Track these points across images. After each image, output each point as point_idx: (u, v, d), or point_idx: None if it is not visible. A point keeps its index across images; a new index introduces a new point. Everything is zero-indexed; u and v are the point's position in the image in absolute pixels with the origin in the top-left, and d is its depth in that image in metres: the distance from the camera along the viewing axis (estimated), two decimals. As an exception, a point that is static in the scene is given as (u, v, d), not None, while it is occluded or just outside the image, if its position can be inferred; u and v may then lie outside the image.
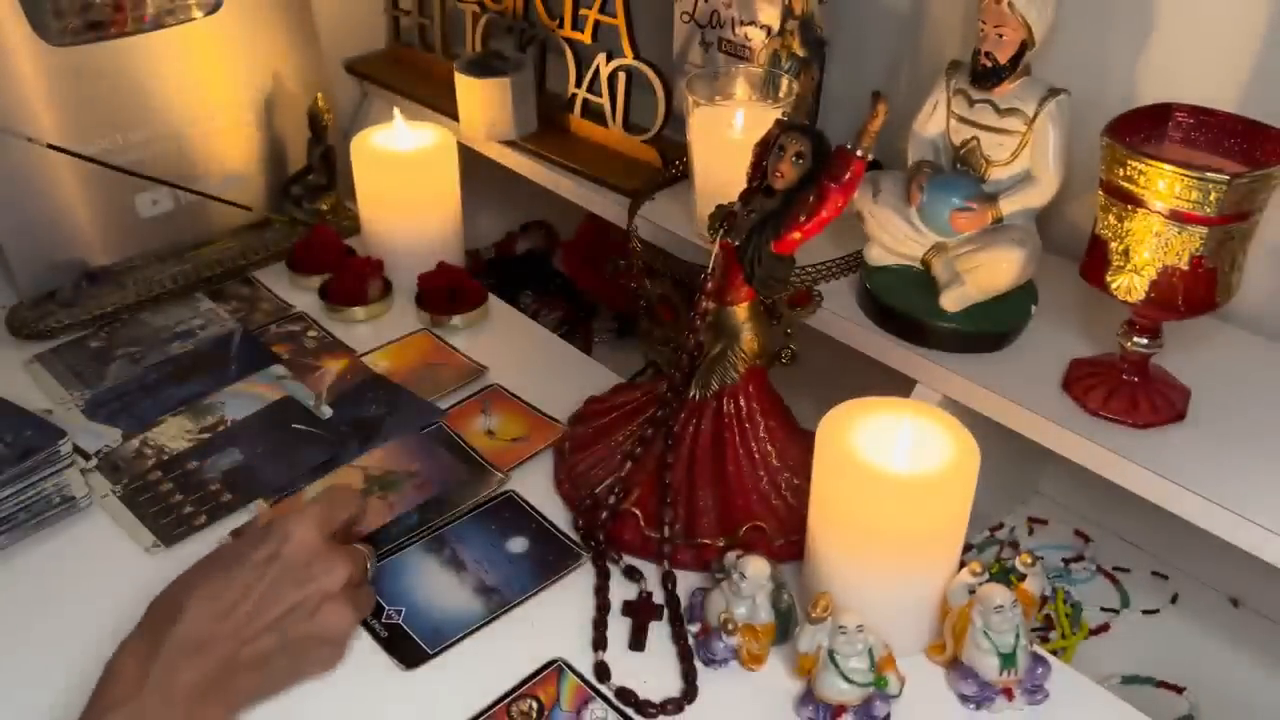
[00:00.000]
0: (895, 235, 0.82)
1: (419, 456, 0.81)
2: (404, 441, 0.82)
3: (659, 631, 0.69)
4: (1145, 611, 0.86)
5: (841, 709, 0.62)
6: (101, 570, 0.72)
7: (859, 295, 0.85)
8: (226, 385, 0.88)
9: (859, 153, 0.64)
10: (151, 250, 1.03)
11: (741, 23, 0.96)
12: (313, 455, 0.81)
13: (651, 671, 0.66)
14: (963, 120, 0.79)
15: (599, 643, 0.68)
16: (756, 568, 0.65)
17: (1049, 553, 0.91)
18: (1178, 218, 0.64)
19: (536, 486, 0.80)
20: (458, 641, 0.67)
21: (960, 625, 0.64)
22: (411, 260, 0.99)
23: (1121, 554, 0.90)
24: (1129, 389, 0.73)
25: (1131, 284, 0.68)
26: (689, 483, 0.74)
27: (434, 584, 0.71)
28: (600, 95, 1.02)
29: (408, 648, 0.67)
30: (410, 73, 1.21)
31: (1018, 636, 0.63)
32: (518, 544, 0.74)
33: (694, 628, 0.69)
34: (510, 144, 1.08)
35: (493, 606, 0.70)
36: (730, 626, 0.65)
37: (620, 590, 0.72)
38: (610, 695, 0.65)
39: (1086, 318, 0.81)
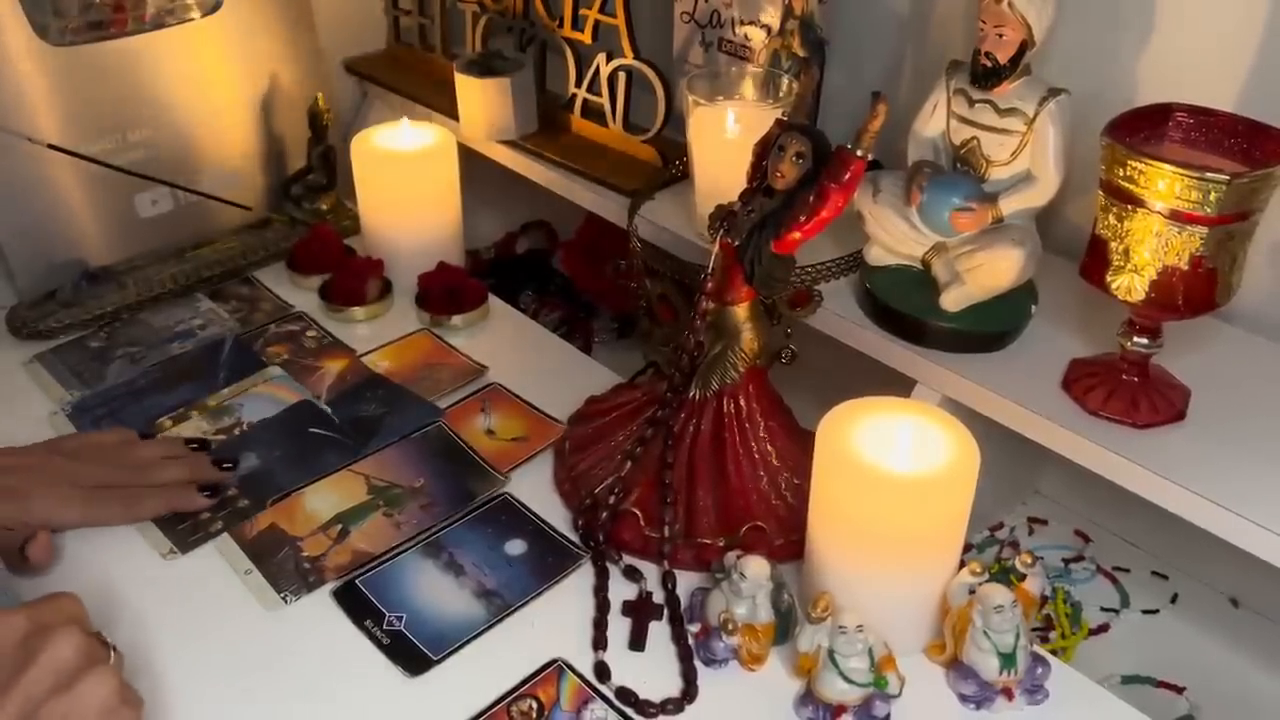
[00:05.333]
0: (895, 235, 0.82)
1: (422, 469, 0.80)
2: (406, 447, 0.82)
3: (659, 631, 0.69)
4: (1145, 611, 0.86)
5: (841, 709, 0.62)
6: (117, 578, 0.72)
7: (859, 295, 0.85)
8: (211, 394, 0.87)
9: (859, 153, 0.64)
10: (151, 250, 1.03)
11: (741, 23, 0.96)
12: (330, 459, 0.81)
13: (651, 671, 0.66)
14: (963, 120, 0.79)
15: (599, 642, 0.68)
16: (756, 568, 0.65)
17: (1049, 553, 0.91)
18: (1178, 218, 0.64)
19: (535, 487, 0.79)
20: (461, 646, 0.67)
21: (960, 625, 0.64)
22: (411, 260, 0.99)
23: (1121, 554, 0.90)
24: (1129, 389, 0.73)
25: (1131, 284, 0.68)
26: (689, 483, 0.74)
27: (434, 589, 0.71)
28: (600, 95, 1.02)
29: (411, 655, 0.67)
30: (410, 73, 1.21)
31: (1018, 636, 0.63)
32: (516, 546, 0.74)
33: (694, 628, 0.69)
34: (510, 144, 1.08)
35: (494, 610, 0.70)
36: (730, 626, 0.65)
37: (620, 590, 0.72)
38: (610, 695, 0.65)
39: (1086, 318, 0.81)
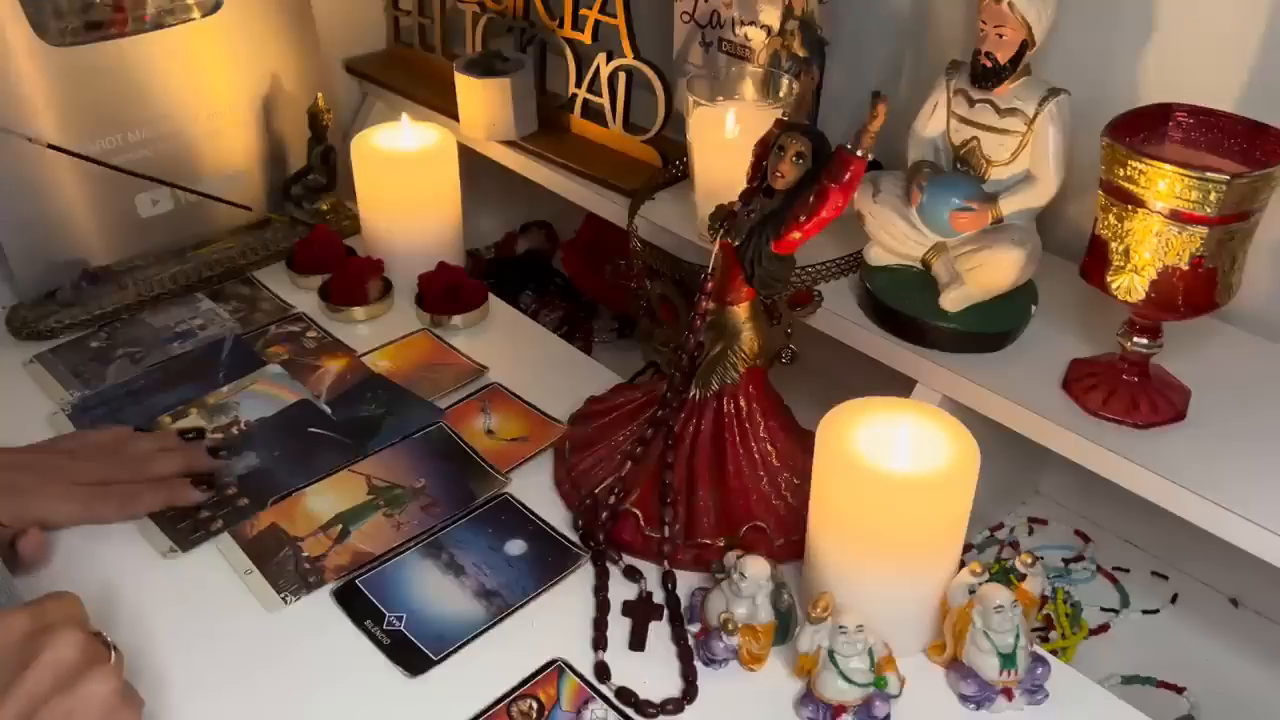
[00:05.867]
0: (895, 235, 0.82)
1: (423, 469, 0.80)
2: (407, 447, 0.82)
3: (659, 631, 0.69)
4: (1145, 611, 0.86)
5: (841, 709, 0.62)
6: (117, 576, 0.71)
7: (859, 295, 0.85)
8: (211, 393, 0.87)
9: (859, 153, 0.64)
10: (151, 250, 1.03)
11: (741, 23, 0.96)
12: (329, 459, 0.81)
13: (651, 671, 0.66)
14: (963, 120, 0.79)
15: (599, 643, 0.68)
16: (756, 568, 0.65)
17: (1049, 553, 0.91)
18: (1178, 218, 0.64)
19: (535, 487, 0.79)
20: (461, 646, 0.67)
21: (960, 625, 0.64)
22: (411, 260, 0.99)
23: (1121, 554, 0.90)
24: (1129, 389, 0.73)
25: (1131, 284, 0.68)
26: (689, 483, 0.74)
27: (434, 589, 0.71)
28: (600, 95, 1.02)
29: (411, 655, 0.66)
30: (410, 73, 1.21)
31: (1018, 636, 0.63)
32: (516, 546, 0.74)
33: (694, 628, 0.69)
34: (510, 144, 1.08)
35: (495, 610, 0.69)
36: (730, 626, 0.65)
37: (620, 590, 0.72)
38: (610, 695, 0.65)
39: (1086, 318, 0.81)
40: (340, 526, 0.75)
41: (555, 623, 0.69)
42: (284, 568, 0.72)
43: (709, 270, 0.72)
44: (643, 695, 0.64)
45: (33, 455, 0.76)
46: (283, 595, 0.70)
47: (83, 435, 0.81)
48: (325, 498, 0.77)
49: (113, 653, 0.57)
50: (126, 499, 0.75)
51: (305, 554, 0.73)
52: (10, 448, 0.76)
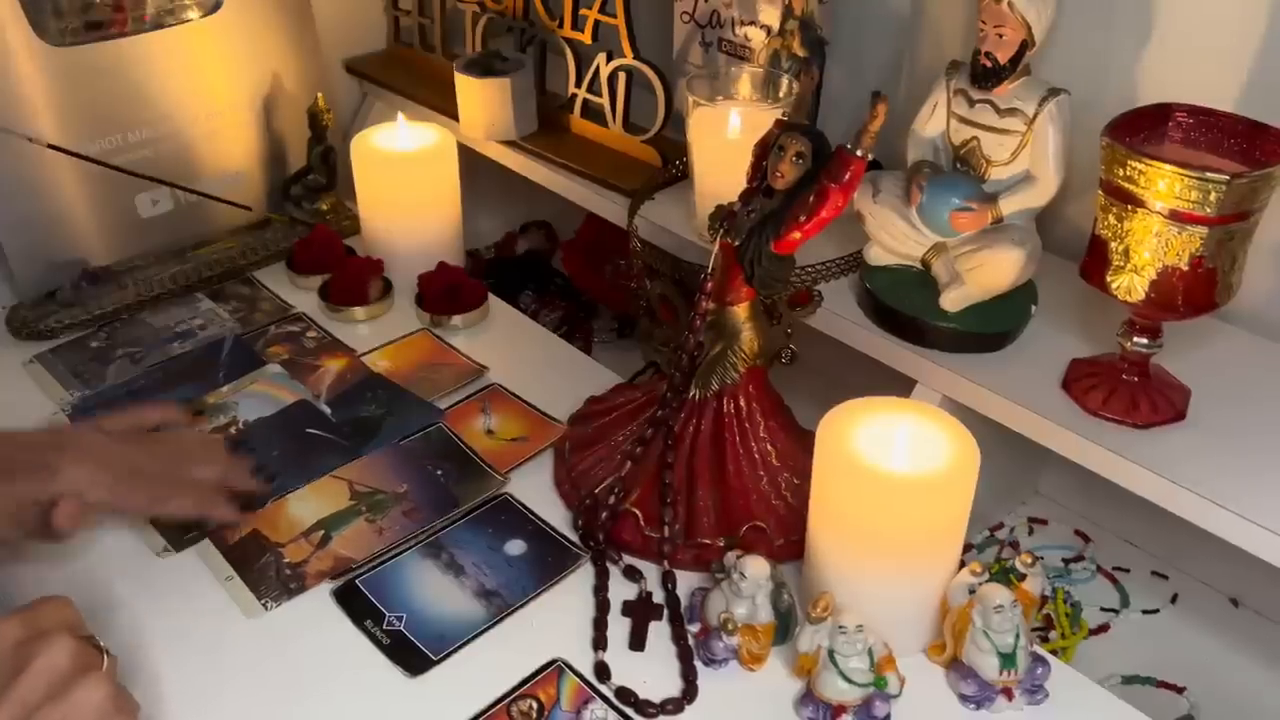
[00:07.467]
0: (895, 235, 0.82)
1: (406, 473, 0.80)
2: (399, 449, 0.82)
3: (659, 631, 0.69)
4: (1145, 611, 0.86)
5: (841, 709, 0.62)
6: (110, 574, 0.71)
7: (859, 295, 0.85)
8: (211, 393, 0.87)
9: (859, 153, 0.64)
10: (151, 250, 1.03)
11: (741, 23, 0.96)
12: (328, 460, 0.81)
13: (651, 671, 0.66)
14: (963, 120, 0.79)
15: (599, 643, 0.68)
16: (756, 568, 0.65)
17: (1049, 553, 0.91)
18: (1178, 218, 0.64)
19: (535, 487, 0.79)
20: (461, 646, 0.67)
21: (960, 625, 0.64)
22: (411, 260, 0.99)
23: (1121, 554, 0.90)
24: (1129, 389, 0.73)
25: (1131, 284, 0.68)
26: (689, 483, 0.74)
27: (434, 589, 0.71)
28: (600, 95, 1.03)
29: (411, 655, 0.67)
30: (410, 73, 1.21)
31: (1018, 636, 0.63)
32: (515, 546, 0.74)
33: (694, 628, 0.69)
34: (510, 144, 1.08)
35: (495, 610, 0.69)
36: (730, 626, 0.65)
37: (620, 590, 0.72)
38: (610, 695, 0.65)
39: (1086, 318, 0.81)
40: (322, 532, 0.75)
41: (555, 623, 0.69)
42: (265, 574, 0.72)
43: (709, 270, 0.72)
44: (643, 695, 0.64)
45: (67, 435, 0.73)
46: (263, 601, 0.70)
47: (130, 417, 0.77)
48: (308, 504, 0.77)
49: (106, 657, 0.57)
50: (156, 497, 0.71)
51: (286, 560, 0.73)
52: (44, 429, 0.75)
